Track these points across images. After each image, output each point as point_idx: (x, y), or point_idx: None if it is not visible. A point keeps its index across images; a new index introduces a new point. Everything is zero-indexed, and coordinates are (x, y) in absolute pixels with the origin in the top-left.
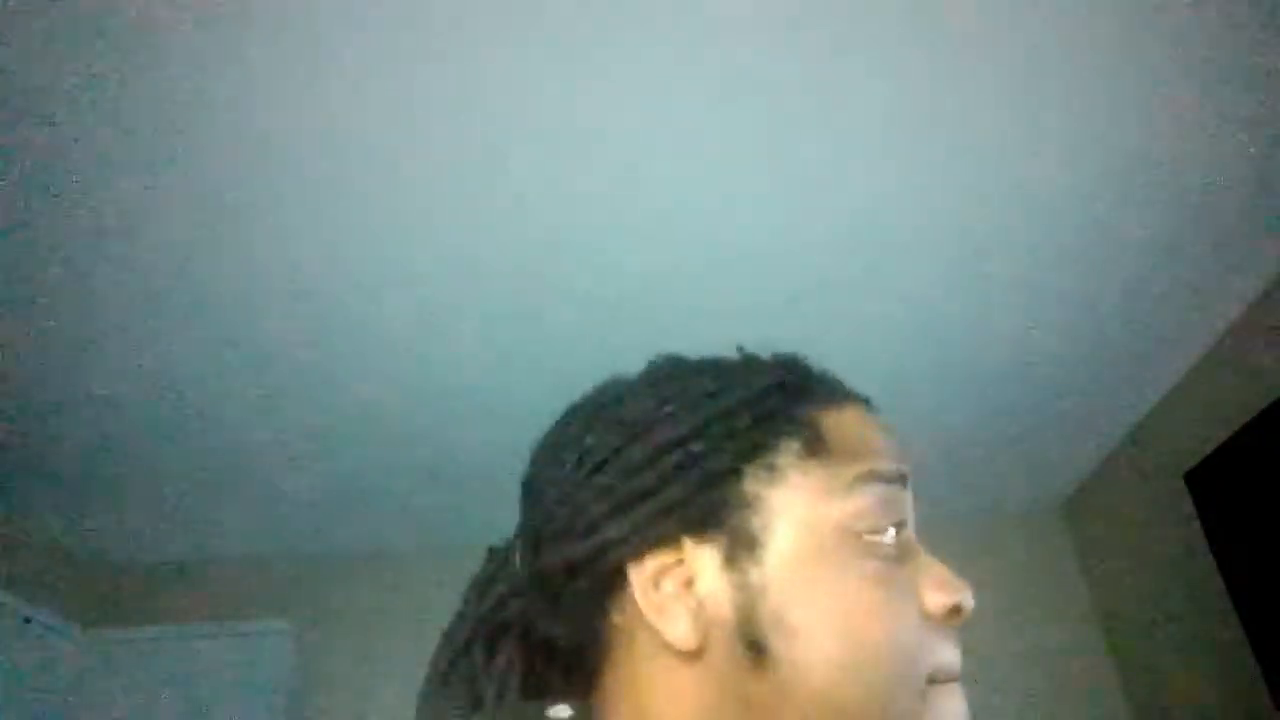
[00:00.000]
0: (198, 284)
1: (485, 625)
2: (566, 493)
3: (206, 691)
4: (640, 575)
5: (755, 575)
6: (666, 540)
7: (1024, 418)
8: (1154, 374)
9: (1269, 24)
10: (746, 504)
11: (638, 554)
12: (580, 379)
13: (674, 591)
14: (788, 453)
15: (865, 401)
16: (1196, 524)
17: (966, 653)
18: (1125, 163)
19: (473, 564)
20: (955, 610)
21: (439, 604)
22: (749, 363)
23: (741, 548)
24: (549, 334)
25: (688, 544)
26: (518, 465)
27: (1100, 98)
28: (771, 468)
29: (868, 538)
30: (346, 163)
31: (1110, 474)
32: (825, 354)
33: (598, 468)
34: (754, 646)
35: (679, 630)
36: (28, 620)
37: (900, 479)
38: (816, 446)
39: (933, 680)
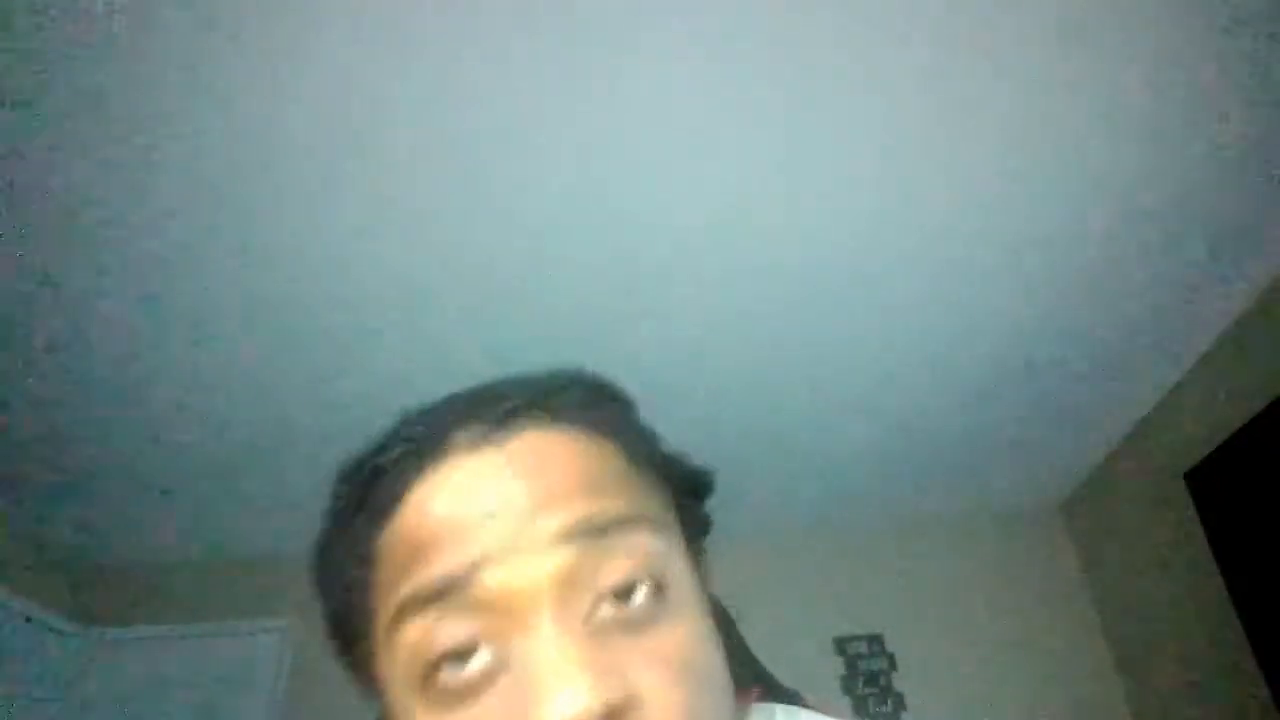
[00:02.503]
0: (197, 284)
1: None
2: None
3: (206, 691)
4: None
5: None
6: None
7: (1024, 418)
8: (1154, 374)
9: (1271, 18)
10: (357, 644)
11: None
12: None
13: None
14: (357, 587)
15: (468, 444)
16: (1196, 524)
17: (966, 652)
18: (1125, 162)
19: None
20: None
21: None
22: (338, 474)
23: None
24: (550, 335)
25: None
26: None
27: (1100, 98)
28: (350, 607)
29: (440, 676)
30: (347, 164)
31: (1110, 474)
32: (825, 355)
33: None
34: None
35: None
36: (28, 620)
37: (453, 585)
38: (377, 577)
39: None
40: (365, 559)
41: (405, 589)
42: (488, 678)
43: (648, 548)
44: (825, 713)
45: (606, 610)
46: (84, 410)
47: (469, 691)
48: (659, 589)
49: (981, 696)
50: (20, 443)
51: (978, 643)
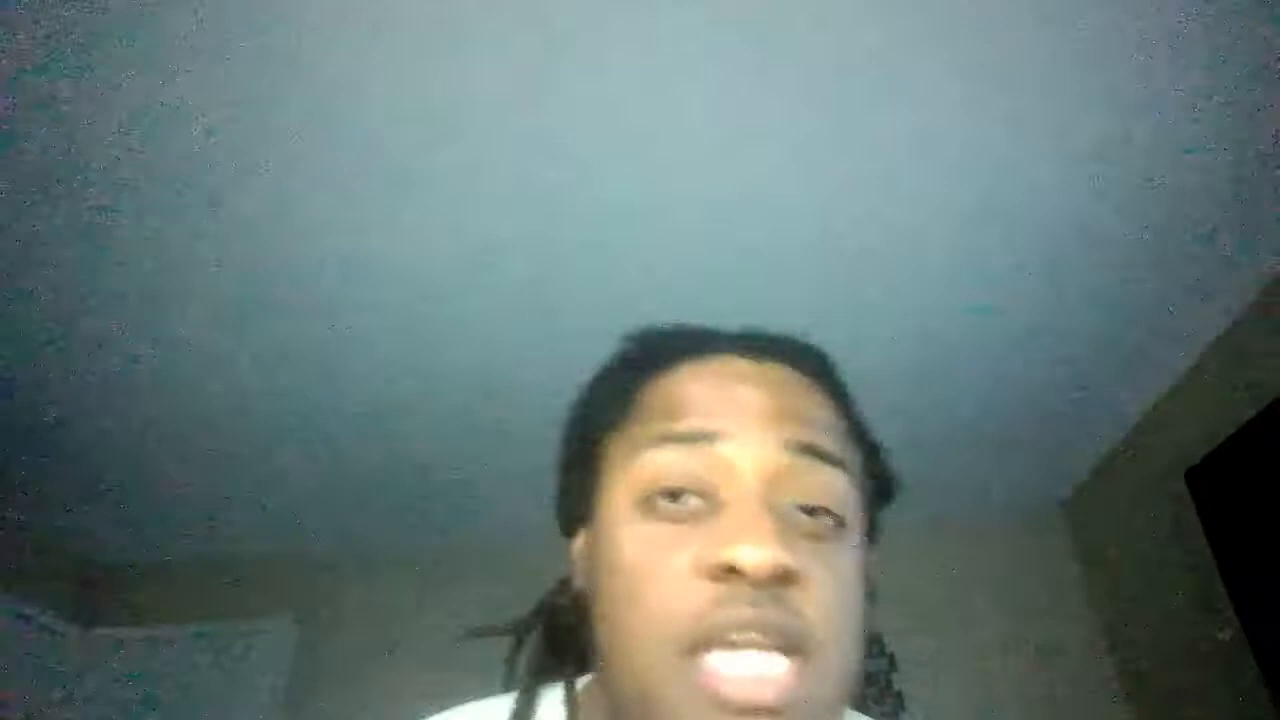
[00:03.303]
0: (198, 285)
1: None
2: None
3: (207, 691)
4: (572, 548)
5: (591, 539)
6: (584, 516)
7: (1024, 418)
8: (1154, 374)
9: (1272, 16)
10: (590, 475)
11: (571, 530)
12: (578, 382)
13: (580, 558)
14: (607, 426)
15: (738, 353)
16: (1196, 524)
17: (967, 652)
18: (1124, 162)
19: (472, 564)
20: (726, 568)
21: (438, 604)
22: (620, 342)
23: (589, 516)
24: (550, 337)
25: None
26: (517, 467)
27: (1100, 98)
28: (597, 441)
29: (661, 501)
30: (346, 165)
31: (1110, 474)
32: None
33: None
34: (594, 602)
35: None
36: (28, 620)
37: (698, 438)
38: (631, 416)
39: (705, 645)
40: (625, 400)
41: (659, 427)
42: (694, 515)
43: (842, 490)
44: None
45: (798, 515)
46: (84, 411)
47: (677, 518)
48: (841, 524)
49: (981, 696)
50: (21, 443)
51: (978, 642)
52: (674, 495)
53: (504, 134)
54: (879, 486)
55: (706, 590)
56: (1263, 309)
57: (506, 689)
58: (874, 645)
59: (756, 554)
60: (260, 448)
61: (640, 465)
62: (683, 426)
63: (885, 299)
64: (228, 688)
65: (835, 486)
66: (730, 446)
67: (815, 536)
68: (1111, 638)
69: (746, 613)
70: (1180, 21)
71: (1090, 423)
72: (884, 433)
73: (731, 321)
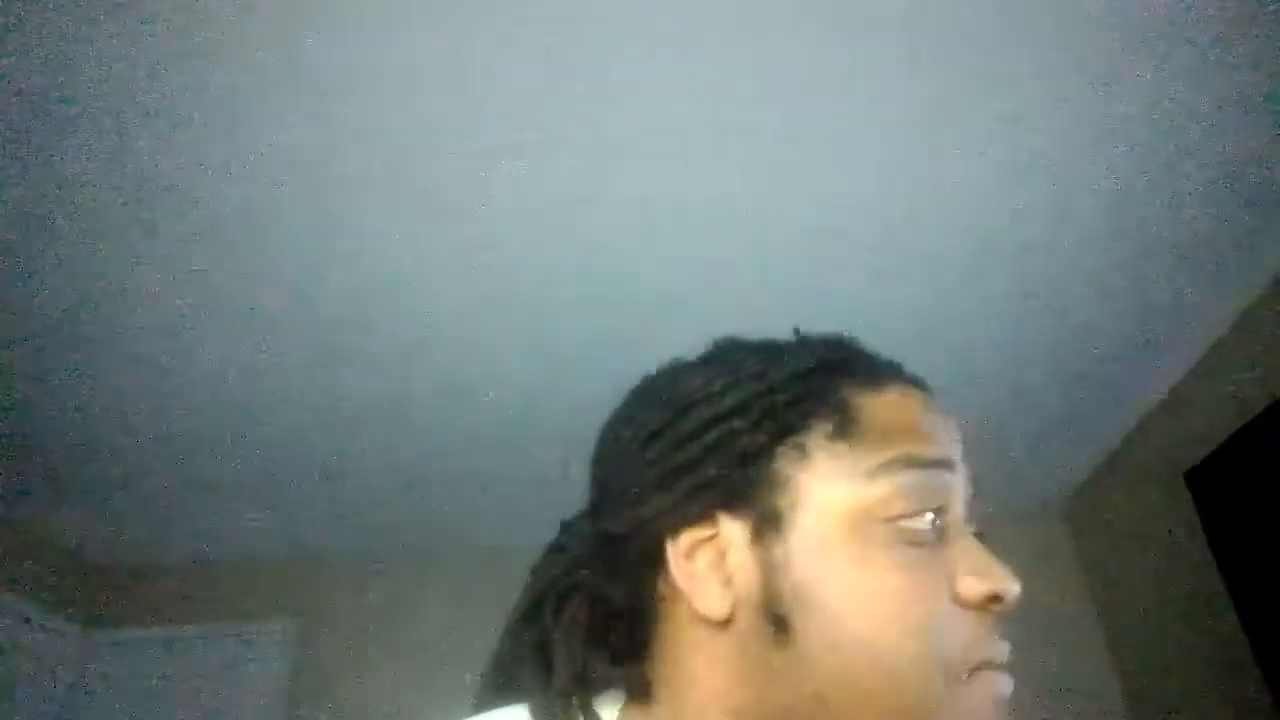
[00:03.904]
0: (198, 286)
1: (555, 587)
2: (621, 466)
3: (206, 691)
4: (675, 549)
5: (779, 552)
6: (702, 515)
7: (1024, 418)
8: (1154, 374)
9: (1274, 15)
10: (776, 483)
11: (675, 527)
12: (577, 382)
13: (706, 564)
14: (819, 434)
15: (919, 385)
16: (1196, 524)
17: None
18: (1125, 163)
19: (472, 565)
20: (992, 598)
21: (437, 605)
22: (799, 343)
23: (769, 525)
24: (551, 338)
25: (722, 519)
26: (517, 468)
27: (1101, 98)
28: (802, 448)
29: (902, 523)
30: (343, 164)
31: (1110, 474)
32: None
33: (648, 443)
34: (776, 620)
35: (708, 601)
36: (28, 620)
37: (941, 465)
38: (848, 429)
39: (976, 669)
40: (834, 405)
41: (905, 447)
42: (938, 535)
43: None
44: None
45: None
46: (85, 411)
47: (918, 541)
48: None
49: None
50: (21, 443)
51: None
52: (918, 520)
53: (507, 132)
54: None
55: (962, 619)
56: (1263, 309)
57: (489, 700)
58: None
59: (1017, 587)
60: (260, 450)
61: (881, 484)
62: (931, 453)
63: (885, 301)
64: (227, 688)
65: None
66: (957, 479)
67: None
68: (1111, 638)
69: (1000, 640)
70: (1180, 19)
71: (1090, 423)
72: None
73: (726, 323)
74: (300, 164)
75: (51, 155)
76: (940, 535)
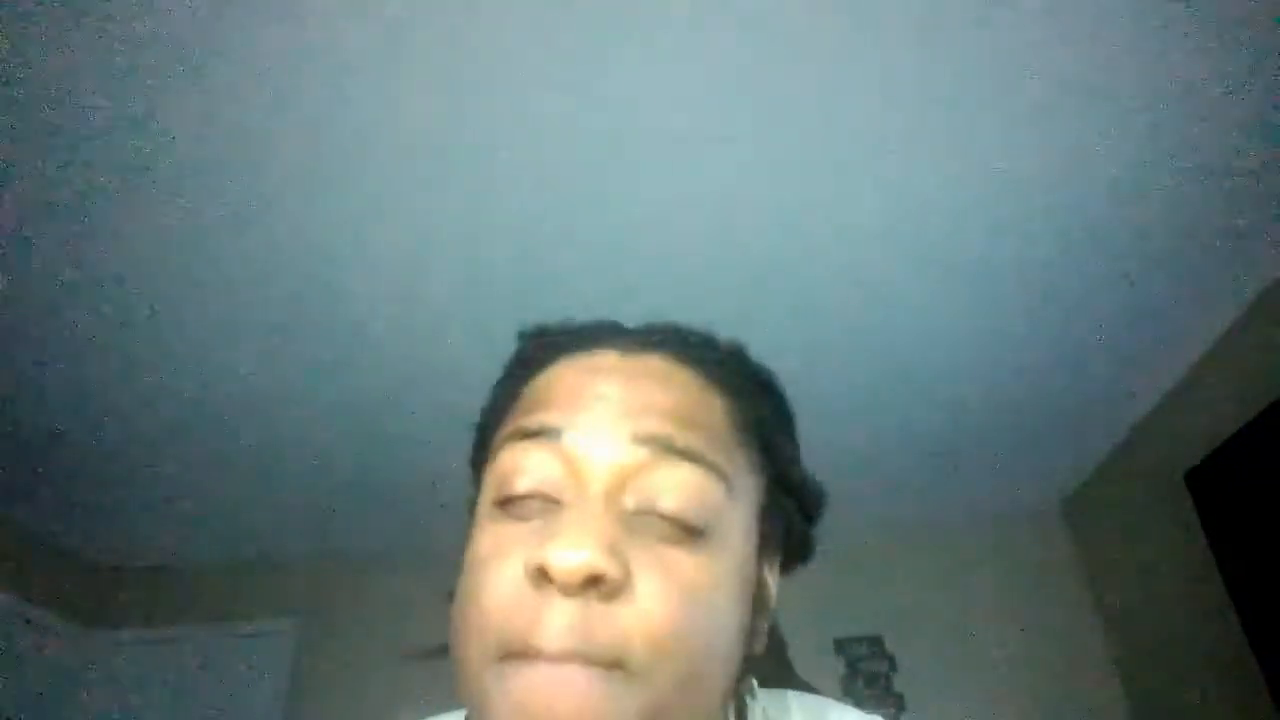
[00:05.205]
0: (199, 287)
1: None
2: None
3: (206, 691)
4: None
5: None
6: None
7: (1024, 418)
8: (1154, 374)
9: (1271, 23)
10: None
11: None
12: None
13: None
14: (495, 425)
15: (585, 347)
16: (1196, 524)
17: (967, 653)
18: (1125, 163)
19: None
20: (539, 572)
21: (438, 605)
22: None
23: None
24: None
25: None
26: None
27: (1101, 99)
28: (487, 443)
29: (509, 499)
30: (344, 165)
31: (1110, 474)
32: (826, 357)
33: None
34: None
35: None
36: (28, 620)
37: (546, 433)
38: (509, 414)
39: (506, 655)
40: (511, 398)
41: (514, 424)
42: (540, 514)
43: (706, 493)
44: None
45: (646, 517)
46: (86, 412)
47: (523, 516)
48: (698, 531)
49: (981, 697)
50: (22, 443)
51: (978, 643)
52: (522, 493)
53: (503, 134)
54: (796, 499)
55: (523, 599)
56: (1263, 310)
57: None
58: (874, 647)
59: (564, 556)
60: (262, 450)
61: (496, 463)
62: (531, 422)
63: (885, 302)
64: (228, 688)
65: (695, 489)
66: (578, 442)
67: (664, 539)
68: (1111, 637)
69: (555, 620)
70: (1180, 19)
71: (1090, 423)
72: (885, 434)
73: (731, 325)
74: (300, 164)
75: (52, 154)
76: (556, 506)
